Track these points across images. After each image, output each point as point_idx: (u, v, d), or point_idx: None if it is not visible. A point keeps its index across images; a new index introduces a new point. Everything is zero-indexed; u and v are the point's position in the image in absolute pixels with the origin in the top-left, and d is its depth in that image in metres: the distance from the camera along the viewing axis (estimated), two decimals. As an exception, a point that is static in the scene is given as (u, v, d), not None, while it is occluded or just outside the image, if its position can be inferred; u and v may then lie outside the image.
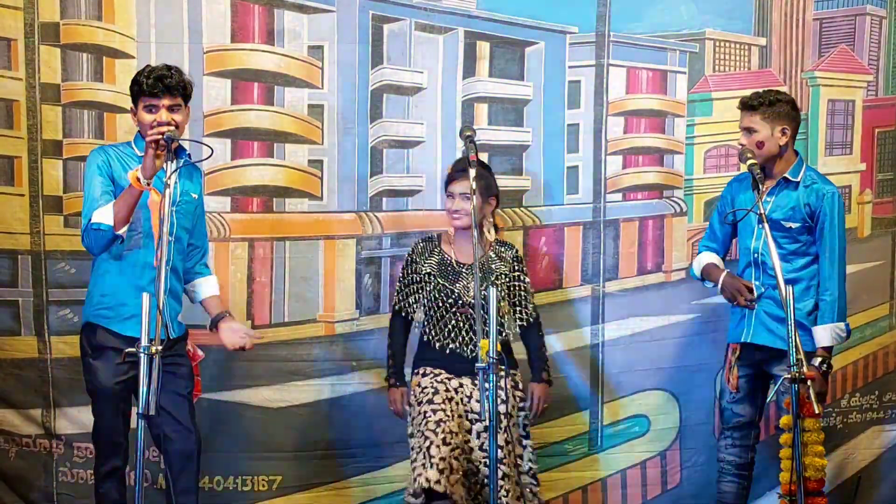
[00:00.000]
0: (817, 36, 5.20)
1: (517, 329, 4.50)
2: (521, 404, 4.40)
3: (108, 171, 3.97)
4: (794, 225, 4.30)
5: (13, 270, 4.72)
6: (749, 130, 4.29)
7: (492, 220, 4.46)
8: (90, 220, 3.86)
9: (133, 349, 3.41)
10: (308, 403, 4.95)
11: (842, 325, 4.35)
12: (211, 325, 4.22)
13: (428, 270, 4.46)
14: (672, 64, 5.11)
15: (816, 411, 3.81)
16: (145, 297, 3.41)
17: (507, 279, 4.47)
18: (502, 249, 4.51)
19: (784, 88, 5.04)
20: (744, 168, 4.27)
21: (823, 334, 4.32)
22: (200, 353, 4.25)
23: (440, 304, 4.42)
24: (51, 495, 4.81)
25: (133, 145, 4.06)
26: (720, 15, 5.10)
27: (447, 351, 4.40)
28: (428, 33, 4.93)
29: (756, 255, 4.37)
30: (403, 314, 4.53)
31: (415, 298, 4.49)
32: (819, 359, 4.29)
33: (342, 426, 4.99)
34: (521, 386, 4.43)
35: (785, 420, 4.04)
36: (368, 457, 5.00)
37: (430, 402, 4.24)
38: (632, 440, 5.20)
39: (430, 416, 4.18)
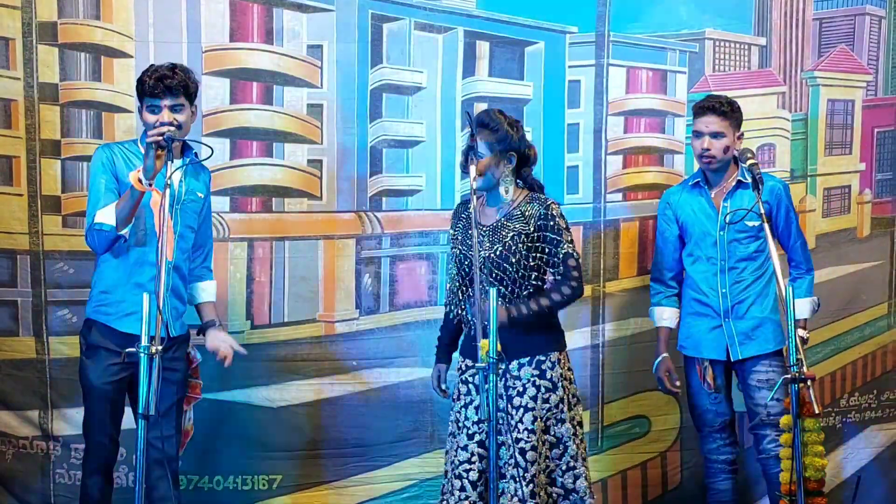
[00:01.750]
0: (817, 36, 5.21)
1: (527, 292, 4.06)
2: (546, 395, 4.03)
3: (111, 168, 3.98)
4: (755, 223, 4.35)
5: (11, 271, 4.71)
6: (718, 135, 4.37)
7: (512, 178, 4.12)
8: (93, 219, 3.87)
9: (133, 349, 3.40)
10: (308, 403, 4.94)
11: (815, 298, 4.61)
12: (199, 330, 4.25)
13: (458, 236, 4.18)
14: (672, 64, 5.11)
15: (816, 411, 3.82)
16: (146, 296, 3.40)
17: (528, 238, 4.04)
18: (530, 206, 4.07)
19: (784, 88, 5.08)
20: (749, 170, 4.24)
21: (805, 307, 4.54)
22: (198, 356, 4.24)
23: (459, 272, 4.14)
24: (48, 497, 4.80)
25: (139, 143, 4.06)
26: (720, 15, 5.11)
27: (471, 330, 4.02)
28: (427, 33, 4.92)
29: (723, 261, 4.43)
30: (451, 315, 4.22)
31: (461, 292, 4.15)
32: (800, 329, 4.44)
33: (342, 426, 4.98)
34: (549, 375, 4.03)
35: (785, 420, 4.03)
36: (368, 456, 4.99)
37: (458, 428, 4.12)
38: (632, 441, 5.21)
39: (455, 457, 4.10)
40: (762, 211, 3.95)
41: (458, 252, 4.16)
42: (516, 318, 3.98)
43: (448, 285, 4.28)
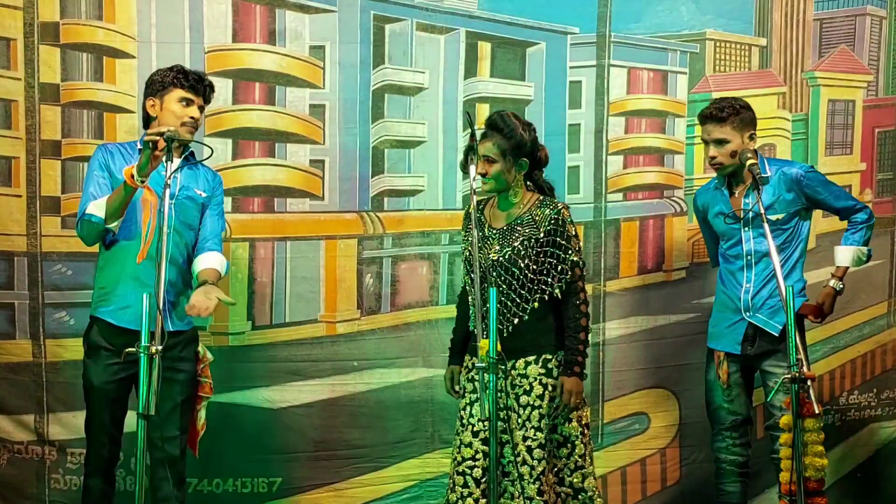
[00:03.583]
0: (818, 36, 5.26)
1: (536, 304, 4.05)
2: (553, 394, 4.02)
3: (107, 166, 3.98)
4: (779, 217, 4.36)
5: (9, 272, 4.67)
6: (721, 142, 4.31)
7: (522, 182, 4.10)
8: (85, 210, 3.87)
9: (133, 349, 3.38)
10: (309, 404, 4.93)
11: (865, 249, 4.45)
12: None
13: (465, 236, 4.19)
14: (672, 64, 5.15)
15: (816, 411, 3.84)
16: (145, 296, 3.39)
17: (538, 243, 4.02)
18: (541, 210, 4.06)
19: (784, 89, 5.12)
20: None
21: (846, 254, 4.44)
22: (209, 355, 4.20)
23: (469, 270, 4.10)
24: (43, 502, 4.75)
25: (138, 143, 4.05)
26: (721, 15, 5.15)
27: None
28: (429, 33, 4.93)
29: (749, 256, 4.42)
30: (462, 315, 4.27)
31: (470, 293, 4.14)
32: (834, 280, 4.42)
33: (343, 427, 4.97)
34: (555, 374, 4.03)
35: (785, 420, 4.05)
36: (369, 458, 4.99)
37: (462, 425, 4.11)
38: (632, 437, 5.23)
39: (459, 454, 4.08)
40: (762, 210, 3.96)
41: (467, 254, 4.16)
42: (582, 370, 4.02)
43: (463, 287, 4.30)
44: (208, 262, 4.08)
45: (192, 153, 4.09)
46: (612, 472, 5.21)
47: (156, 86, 4.02)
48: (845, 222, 4.51)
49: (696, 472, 5.18)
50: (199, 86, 4.01)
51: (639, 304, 5.15)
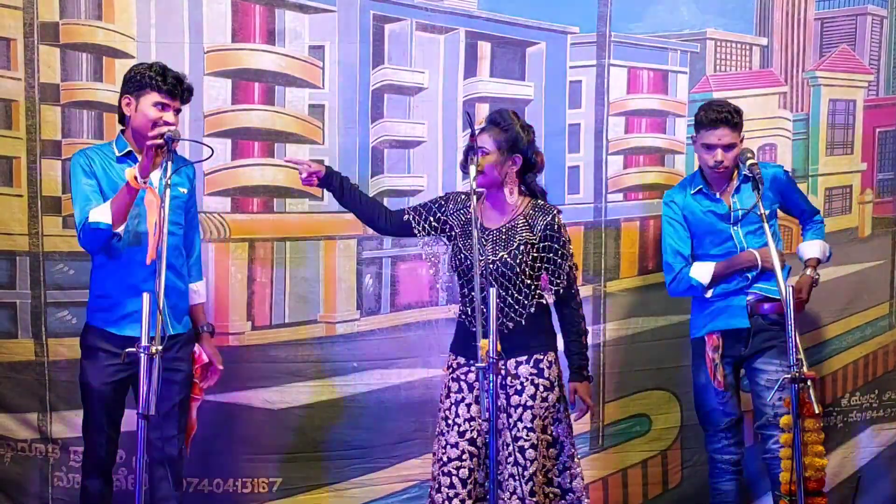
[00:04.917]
0: (818, 36, 5.23)
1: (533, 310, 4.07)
2: (545, 394, 4.04)
3: (92, 172, 3.97)
4: (767, 212, 4.32)
5: (11, 272, 4.69)
6: (730, 147, 4.39)
7: (515, 181, 4.11)
8: (87, 218, 3.85)
9: (133, 349, 3.40)
10: (309, 404, 4.93)
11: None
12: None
13: (453, 223, 4.18)
14: (673, 64, 5.13)
15: (816, 411, 3.84)
16: (146, 296, 3.40)
17: (535, 249, 4.04)
18: (536, 215, 4.08)
19: (785, 88, 5.10)
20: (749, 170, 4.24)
21: (814, 248, 4.63)
22: (205, 357, 4.22)
23: (457, 266, 4.13)
24: (46, 500, 4.77)
25: (113, 146, 4.06)
26: (721, 15, 5.13)
27: (465, 323, 4.09)
28: (429, 33, 4.92)
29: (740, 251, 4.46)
30: (398, 210, 4.31)
31: (427, 214, 4.21)
32: (810, 269, 4.59)
33: (343, 427, 4.97)
34: (546, 374, 4.04)
35: (785, 420, 4.06)
36: (369, 458, 4.99)
37: (448, 426, 4.10)
38: (633, 439, 5.21)
39: (445, 454, 4.08)
40: (762, 211, 4.01)
41: (462, 257, 4.12)
42: (588, 371, 4.17)
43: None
44: (200, 295, 4.28)
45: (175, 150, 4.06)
46: (613, 475, 5.20)
47: (133, 84, 3.97)
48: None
49: (698, 474, 5.13)
50: (176, 90, 3.95)
51: (639, 304, 5.12)
